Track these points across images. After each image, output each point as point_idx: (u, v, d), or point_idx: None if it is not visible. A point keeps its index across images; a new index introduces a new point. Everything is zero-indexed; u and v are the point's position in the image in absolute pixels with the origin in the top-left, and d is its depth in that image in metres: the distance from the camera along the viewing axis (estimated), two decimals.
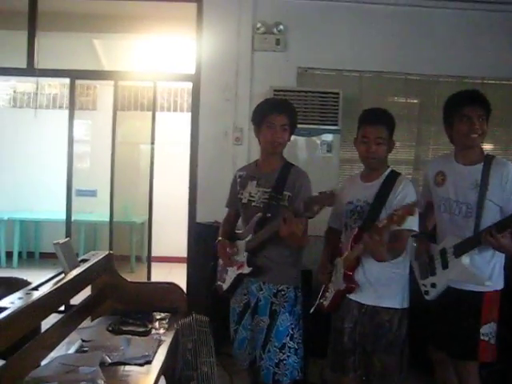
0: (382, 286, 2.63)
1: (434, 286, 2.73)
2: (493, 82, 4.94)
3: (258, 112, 2.81)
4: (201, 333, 2.72)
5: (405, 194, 2.59)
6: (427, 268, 2.78)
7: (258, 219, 2.73)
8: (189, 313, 2.93)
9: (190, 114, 5.03)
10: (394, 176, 2.69)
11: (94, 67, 5.96)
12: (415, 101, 5.10)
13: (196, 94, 4.90)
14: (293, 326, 2.74)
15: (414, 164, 5.04)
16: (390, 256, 2.50)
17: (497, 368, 3.61)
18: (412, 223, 2.49)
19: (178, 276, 4.69)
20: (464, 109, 2.66)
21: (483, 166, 2.65)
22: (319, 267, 2.83)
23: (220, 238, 2.94)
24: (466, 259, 2.59)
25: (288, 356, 2.71)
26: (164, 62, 6.32)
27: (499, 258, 2.68)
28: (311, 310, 2.83)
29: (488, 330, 2.66)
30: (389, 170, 2.71)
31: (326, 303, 2.76)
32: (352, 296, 2.67)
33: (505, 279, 2.72)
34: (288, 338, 2.72)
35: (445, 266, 2.69)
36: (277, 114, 2.74)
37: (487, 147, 4.65)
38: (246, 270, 2.76)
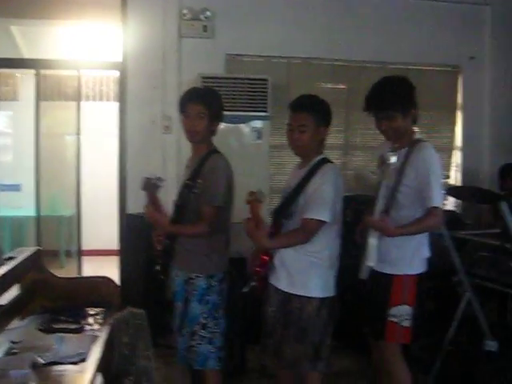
0: (297, 273, 2.62)
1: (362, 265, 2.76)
2: (417, 67, 5.10)
3: (179, 102, 2.81)
4: (137, 326, 2.67)
5: (321, 183, 2.58)
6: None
7: (173, 206, 2.78)
8: (123, 306, 2.87)
9: (117, 103, 4.91)
10: (319, 164, 2.66)
11: (12, 55, 5.69)
12: (343, 86, 5.19)
13: (123, 83, 4.78)
14: (205, 316, 2.72)
15: (343, 149, 5.15)
16: (273, 244, 2.60)
17: (427, 342, 3.79)
18: (320, 212, 2.51)
19: (111, 269, 4.60)
20: (372, 112, 2.74)
21: (406, 151, 2.68)
22: (252, 251, 2.83)
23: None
24: (373, 240, 2.57)
25: (199, 344, 2.72)
26: (89, 50, 6.13)
27: (414, 243, 2.68)
28: (244, 289, 2.78)
29: (398, 313, 2.66)
30: (319, 158, 2.69)
31: (256, 285, 2.77)
32: (272, 280, 2.70)
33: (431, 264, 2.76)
34: (199, 327, 2.72)
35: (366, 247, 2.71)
36: (191, 102, 2.73)
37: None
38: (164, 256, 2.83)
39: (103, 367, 2.41)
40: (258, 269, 2.68)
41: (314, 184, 2.59)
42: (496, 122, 5.34)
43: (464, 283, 3.45)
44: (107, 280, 3.28)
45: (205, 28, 4.76)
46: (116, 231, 4.89)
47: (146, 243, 3.06)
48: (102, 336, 2.64)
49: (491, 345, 3.13)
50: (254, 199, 2.48)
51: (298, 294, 2.62)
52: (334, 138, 5.00)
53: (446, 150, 5.34)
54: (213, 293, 2.75)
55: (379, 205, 2.63)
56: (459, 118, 5.41)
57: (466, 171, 5.40)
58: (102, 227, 6.53)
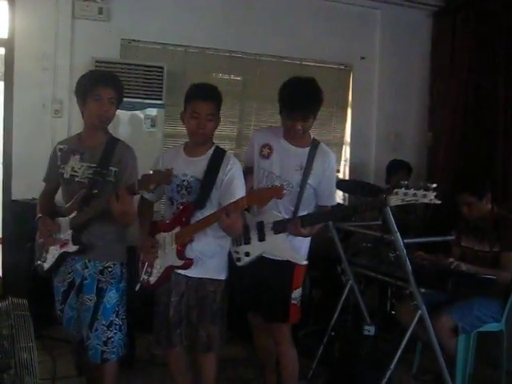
0: (208, 258, 2.70)
1: (247, 254, 2.86)
2: (309, 63, 5.26)
3: (84, 84, 2.67)
4: (19, 317, 2.56)
5: (233, 173, 2.66)
6: (241, 236, 2.87)
7: (83, 195, 2.63)
8: (4, 296, 2.74)
9: (2, 82, 4.65)
10: (220, 153, 2.74)
11: None
12: (239, 78, 5.25)
13: (9, 62, 4.52)
14: (118, 303, 2.72)
15: (237, 140, 5.21)
16: None
17: (313, 329, 3.96)
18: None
19: None
20: (289, 112, 2.79)
21: (309, 151, 2.84)
22: (143, 243, 2.78)
23: (40, 215, 2.79)
24: (283, 236, 2.79)
25: (115, 333, 2.69)
26: None
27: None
28: (136, 288, 2.80)
29: (297, 295, 2.92)
30: (214, 147, 2.76)
31: (152, 279, 2.74)
32: (179, 270, 2.70)
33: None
34: (114, 315, 2.69)
35: (261, 238, 2.83)
36: (104, 86, 2.63)
37: None
38: (72, 248, 2.66)
39: None
40: (189, 260, 2.65)
41: (224, 175, 2.66)
42: (381, 120, 5.64)
43: (347, 272, 3.63)
44: None
45: (100, 10, 4.61)
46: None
47: (31, 230, 2.93)
48: None
49: (369, 329, 3.33)
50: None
51: (212, 277, 2.71)
52: (227, 129, 5.06)
53: (337, 145, 5.56)
54: (123, 280, 2.76)
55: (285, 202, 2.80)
56: (349, 114, 5.65)
57: (353, 166, 5.66)
58: None
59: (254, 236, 2.86)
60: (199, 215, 2.64)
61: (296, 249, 2.87)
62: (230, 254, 2.85)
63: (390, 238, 3.16)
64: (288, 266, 2.84)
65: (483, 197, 3.40)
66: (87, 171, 2.67)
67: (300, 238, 2.84)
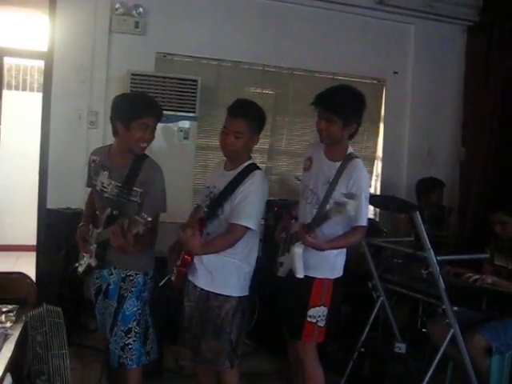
0: (217, 272, 2.68)
1: (281, 265, 2.85)
2: (342, 78, 5.25)
3: (130, 109, 2.64)
4: (52, 324, 2.60)
5: (248, 191, 2.62)
6: (285, 246, 2.87)
7: (106, 215, 2.67)
8: (39, 304, 2.79)
9: (40, 94, 4.76)
10: (249, 169, 2.71)
11: None
12: (271, 92, 5.28)
13: (48, 74, 4.64)
14: (139, 312, 2.73)
15: (269, 153, 5.23)
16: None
17: (342, 345, 3.92)
18: (247, 219, 2.59)
19: (27, 265, 4.45)
20: (317, 108, 2.78)
21: (340, 166, 2.77)
22: (170, 246, 2.84)
23: (82, 223, 2.87)
24: (298, 248, 2.67)
25: (134, 341, 2.71)
26: (13, 37, 5.89)
27: (335, 250, 2.79)
28: (160, 283, 2.85)
29: (316, 313, 2.80)
30: (248, 163, 2.73)
31: (173, 278, 2.78)
32: (190, 278, 2.74)
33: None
34: (135, 323, 2.71)
35: (289, 249, 2.80)
36: (151, 115, 2.65)
37: None
38: (93, 262, 2.73)
39: (14, 366, 2.34)
40: (181, 268, 2.69)
41: (242, 190, 2.63)
42: (414, 135, 5.59)
43: (378, 288, 3.59)
44: (23, 276, 3.17)
45: (136, 24, 4.70)
46: (34, 226, 4.73)
47: (65, 239, 2.99)
48: (14, 334, 2.56)
49: (400, 347, 3.28)
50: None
51: (217, 292, 2.69)
52: (259, 142, 5.04)
53: (369, 160, 5.53)
54: (147, 290, 2.77)
55: (306, 214, 2.74)
56: (381, 129, 5.62)
57: (384, 181, 5.62)
58: (18, 222, 6.31)
59: (286, 248, 2.85)
60: (208, 225, 2.68)
61: (318, 263, 2.76)
62: (256, 272, 2.81)
63: (422, 255, 3.12)
64: (305, 280, 2.74)
65: None
66: (115, 189, 2.70)
67: (320, 254, 2.71)
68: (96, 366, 3.51)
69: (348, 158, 2.79)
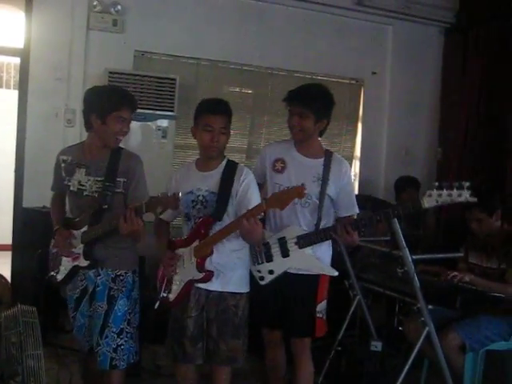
0: (228, 271, 2.68)
1: (271, 272, 2.83)
2: (321, 78, 5.28)
3: (106, 102, 2.62)
4: (27, 324, 2.58)
5: (247, 182, 2.67)
6: (262, 255, 2.85)
7: (94, 210, 2.63)
8: (14, 304, 2.76)
9: (17, 91, 4.70)
10: (232, 165, 2.74)
11: None
12: (250, 91, 5.29)
13: (24, 71, 4.59)
14: (129, 311, 2.72)
15: (247, 152, 5.23)
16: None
17: (319, 343, 3.93)
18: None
19: (2, 265, 4.42)
20: (289, 105, 2.87)
21: (324, 161, 2.85)
22: (163, 260, 2.75)
23: (58, 227, 2.80)
24: (309, 250, 2.77)
25: (125, 341, 2.69)
26: None
27: (328, 246, 2.96)
28: (156, 306, 2.77)
29: (321, 308, 2.92)
30: (226, 160, 2.76)
31: (171, 296, 2.72)
32: (199, 284, 2.68)
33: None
34: (125, 323, 2.69)
35: (285, 254, 2.80)
36: (128, 108, 2.65)
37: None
38: (83, 262, 2.67)
39: None
40: (209, 272, 2.63)
41: (239, 186, 2.66)
42: (392, 135, 5.65)
43: (355, 287, 3.62)
44: None
45: (115, 22, 4.67)
46: (9, 225, 4.67)
47: (41, 239, 2.95)
48: None
49: (376, 345, 3.32)
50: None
51: (233, 291, 2.69)
52: (238, 141, 5.09)
53: (347, 160, 5.51)
54: (136, 288, 2.76)
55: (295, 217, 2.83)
56: (359, 129, 5.66)
57: (363, 181, 5.66)
58: None
59: (276, 253, 2.82)
60: (218, 227, 2.63)
61: (323, 258, 2.88)
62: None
63: (398, 254, 3.16)
64: (311, 279, 2.84)
65: (493, 213, 3.40)
66: (95, 185, 2.66)
67: (322, 249, 2.85)
68: (72, 366, 3.49)
69: (329, 153, 2.91)
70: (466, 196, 2.54)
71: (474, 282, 3.21)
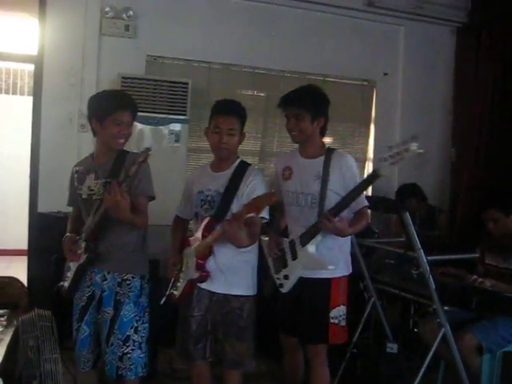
0: (233, 274, 2.69)
1: (286, 277, 2.84)
2: (333, 79, 5.28)
3: (102, 106, 2.65)
4: (44, 328, 2.59)
5: (255, 184, 2.67)
6: (280, 262, 2.89)
7: (97, 206, 2.62)
8: (30, 308, 2.78)
9: (31, 97, 4.75)
10: (243, 166, 2.75)
11: None
12: (262, 94, 5.30)
13: (38, 77, 4.63)
14: (137, 318, 2.66)
15: (260, 155, 5.24)
16: (250, 241, 2.53)
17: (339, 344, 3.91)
18: (264, 212, 2.58)
19: (18, 269, 4.45)
20: (284, 110, 2.89)
21: (324, 159, 2.83)
22: (169, 258, 2.81)
23: (67, 234, 2.80)
24: (311, 247, 2.74)
25: (132, 350, 2.63)
26: (3, 41, 5.88)
27: (342, 245, 2.88)
28: (162, 301, 2.80)
29: (337, 314, 2.85)
30: (238, 161, 2.78)
31: (177, 293, 2.74)
32: (203, 285, 2.69)
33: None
34: (132, 331, 2.63)
35: (294, 256, 2.81)
36: (124, 110, 2.65)
37: (327, 141, 4.97)
38: (82, 258, 2.65)
39: (5, 371, 2.33)
40: (204, 273, 2.65)
41: (246, 187, 2.66)
42: (405, 136, 5.58)
43: (369, 289, 3.61)
44: (14, 280, 3.19)
45: (127, 27, 4.70)
46: (25, 230, 4.71)
47: (56, 243, 2.97)
48: (6, 338, 2.57)
49: (392, 347, 3.30)
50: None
51: (236, 294, 2.68)
52: (251, 144, 5.09)
53: (360, 161, 5.55)
54: (144, 294, 2.72)
55: (305, 219, 2.77)
56: (372, 130, 5.64)
57: (376, 182, 5.59)
58: (11, 225, 6.29)
59: (289, 257, 2.85)
60: (219, 228, 2.62)
61: (332, 260, 2.80)
62: (260, 270, 2.83)
63: (413, 255, 3.14)
64: (323, 283, 2.81)
65: (510, 213, 3.37)
66: (102, 187, 2.65)
67: (327, 246, 2.79)
68: (88, 372, 3.49)
69: (330, 152, 2.87)
70: (413, 148, 2.54)
71: (495, 287, 3.19)
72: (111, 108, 2.64)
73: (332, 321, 2.83)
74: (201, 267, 2.65)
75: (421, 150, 2.55)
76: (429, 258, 3.07)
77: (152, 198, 2.71)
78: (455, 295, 3.14)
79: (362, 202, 2.81)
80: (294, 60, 5.17)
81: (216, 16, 4.96)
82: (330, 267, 2.74)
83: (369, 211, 2.83)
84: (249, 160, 4.81)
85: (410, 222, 3.01)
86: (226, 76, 5.05)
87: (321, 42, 5.27)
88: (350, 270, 2.95)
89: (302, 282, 2.82)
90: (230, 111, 2.72)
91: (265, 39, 5.09)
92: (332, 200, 2.78)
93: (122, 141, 2.69)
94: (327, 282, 2.82)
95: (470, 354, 3.17)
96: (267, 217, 2.67)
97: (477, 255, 3.55)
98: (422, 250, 3.03)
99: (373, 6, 5.23)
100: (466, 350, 3.15)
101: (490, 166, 5.13)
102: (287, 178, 2.95)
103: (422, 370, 3.11)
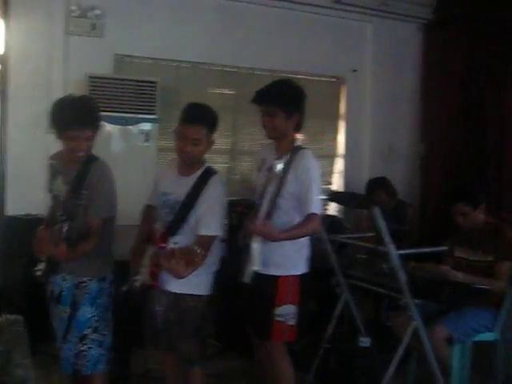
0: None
1: (246, 268, 2.80)
2: (302, 76, 5.28)
3: (60, 119, 2.60)
4: (14, 333, 2.55)
5: (209, 196, 2.66)
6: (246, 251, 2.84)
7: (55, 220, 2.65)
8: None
9: None
10: (208, 175, 2.72)
11: None
12: (232, 92, 5.28)
13: (4, 77, 4.54)
14: (96, 318, 2.70)
15: (231, 153, 5.23)
16: (188, 271, 2.48)
17: (308, 342, 3.95)
18: (216, 228, 2.62)
19: None
20: (257, 105, 2.85)
21: (288, 158, 2.79)
22: (131, 248, 2.81)
23: (41, 227, 2.78)
24: (255, 244, 2.68)
25: (90, 348, 2.69)
26: None
27: (296, 245, 2.82)
28: (123, 288, 2.78)
29: (284, 312, 2.80)
30: (204, 168, 2.74)
31: (137, 284, 2.72)
32: (159, 282, 2.70)
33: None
34: (90, 330, 2.69)
35: (248, 252, 2.78)
36: (81, 127, 2.59)
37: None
38: (43, 267, 2.67)
39: None
40: (155, 283, 2.67)
41: (204, 199, 2.65)
42: (375, 132, 5.68)
43: (341, 284, 3.64)
44: None
45: (93, 26, 4.63)
46: None
47: (25, 246, 2.92)
48: None
49: (364, 341, 3.34)
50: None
51: (191, 293, 2.69)
52: (221, 142, 5.05)
53: (329, 157, 5.60)
54: (104, 295, 2.74)
55: (262, 210, 2.73)
56: (342, 126, 5.68)
57: (347, 178, 5.68)
58: None
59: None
60: (173, 240, 2.64)
61: (280, 260, 2.78)
62: (221, 273, 2.83)
63: (383, 250, 3.17)
64: (268, 279, 2.77)
65: (478, 206, 3.44)
66: (65, 194, 2.67)
67: (286, 246, 2.76)
68: (61, 374, 3.47)
69: (295, 150, 2.83)
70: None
71: (466, 280, 3.24)
72: (67, 124, 2.58)
73: (277, 318, 2.79)
74: (153, 276, 2.65)
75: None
76: (399, 252, 3.11)
77: (110, 218, 2.70)
78: (426, 288, 3.18)
79: (309, 207, 2.72)
80: (263, 57, 5.17)
81: (183, 14, 4.93)
82: (255, 268, 2.69)
83: (316, 218, 2.71)
84: (220, 158, 4.91)
85: (380, 216, 3.04)
86: (194, 74, 5.03)
87: (289, 39, 5.28)
88: (304, 270, 2.88)
89: (256, 277, 2.74)
90: (196, 121, 2.66)
91: (233, 37, 5.07)
92: (286, 200, 2.77)
93: (80, 154, 2.65)
94: (274, 279, 2.78)
95: (440, 345, 3.22)
96: (220, 233, 2.67)
97: (445, 248, 3.61)
98: (392, 245, 3.06)
99: (340, 2, 5.27)
100: (436, 342, 3.20)
101: (459, 160, 5.22)
102: (259, 169, 2.95)
103: (395, 362, 3.14)
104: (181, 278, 2.49)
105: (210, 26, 5.01)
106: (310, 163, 2.79)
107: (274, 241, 2.68)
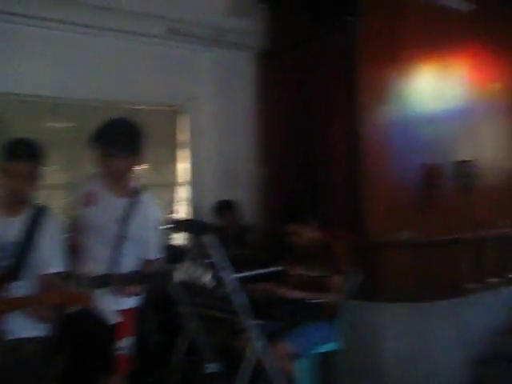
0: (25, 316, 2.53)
1: None
2: (140, 107, 5.28)
3: None
4: None
5: (47, 234, 2.59)
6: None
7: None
8: None
9: None
10: (40, 212, 2.63)
11: None
12: (66, 125, 5.10)
13: None
14: None
15: (67, 188, 5.01)
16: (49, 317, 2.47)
17: (163, 372, 3.89)
18: (58, 264, 2.57)
19: None
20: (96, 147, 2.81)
21: (128, 203, 2.81)
22: None
23: None
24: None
25: None
26: None
27: None
28: None
29: (125, 344, 2.86)
30: (34, 206, 2.65)
31: None
32: None
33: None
34: None
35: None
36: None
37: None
38: None
39: None
40: None
41: (43, 237, 2.56)
42: (218, 158, 5.78)
43: (186, 313, 3.64)
44: None
45: None
46: None
47: None
48: None
49: (211, 367, 3.36)
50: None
51: (31, 336, 2.54)
52: (57, 177, 4.86)
53: (170, 186, 5.60)
54: None
55: (102, 257, 2.74)
56: (184, 155, 5.72)
57: (195, 205, 5.71)
58: None
59: None
60: (16, 285, 2.50)
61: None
62: None
63: (220, 275, 3.22)
64: (113, 314, 2.80)
65: (308, 225, 3.63)
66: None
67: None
68: None
69: (134, 194, 2.85)
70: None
71: (297, 297, 3.40)
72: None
73: (121, 351, 2.84)
74: None
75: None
76: (237, 275, 3.18)
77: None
78: (264, 309, 3.28)
79: (149, 253, 2.92)
80: (101, 89, 5.04)
81: (13, 44, 4.66)
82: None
83: (156, 262, 2.88)
84: (57, 194, 4.66)
85: (215, 243, 3.10)
86: (24, 108, 4.78)
87: (127, 69, 5.21)
88: (138, 302, 2.94)
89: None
90: (21, 156, 2.54)
91: (67, 68, 4.88)
92: (129, 244, 2.79)
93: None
94: (117, 313, 2.83)
95: (285, 360, 3.35)
96: (62, 268, 2.60)
97: (281, 268, 3.77)
98: (228, 270, 3.12)
99: (173, 33, 5.32)
100: (281, 358, 3.32)
101: (295, 182, 5.45)
102: (88, 205, 2.86)
103: (240, 382, 3.19)
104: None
105: (43, 57, 4.78)
106: (151, 210, 2.88)
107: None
